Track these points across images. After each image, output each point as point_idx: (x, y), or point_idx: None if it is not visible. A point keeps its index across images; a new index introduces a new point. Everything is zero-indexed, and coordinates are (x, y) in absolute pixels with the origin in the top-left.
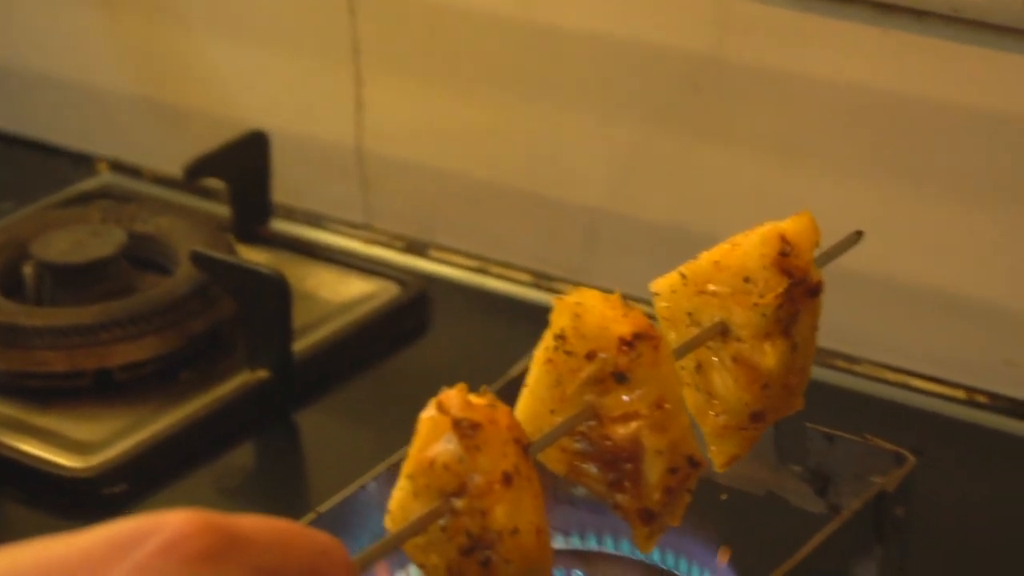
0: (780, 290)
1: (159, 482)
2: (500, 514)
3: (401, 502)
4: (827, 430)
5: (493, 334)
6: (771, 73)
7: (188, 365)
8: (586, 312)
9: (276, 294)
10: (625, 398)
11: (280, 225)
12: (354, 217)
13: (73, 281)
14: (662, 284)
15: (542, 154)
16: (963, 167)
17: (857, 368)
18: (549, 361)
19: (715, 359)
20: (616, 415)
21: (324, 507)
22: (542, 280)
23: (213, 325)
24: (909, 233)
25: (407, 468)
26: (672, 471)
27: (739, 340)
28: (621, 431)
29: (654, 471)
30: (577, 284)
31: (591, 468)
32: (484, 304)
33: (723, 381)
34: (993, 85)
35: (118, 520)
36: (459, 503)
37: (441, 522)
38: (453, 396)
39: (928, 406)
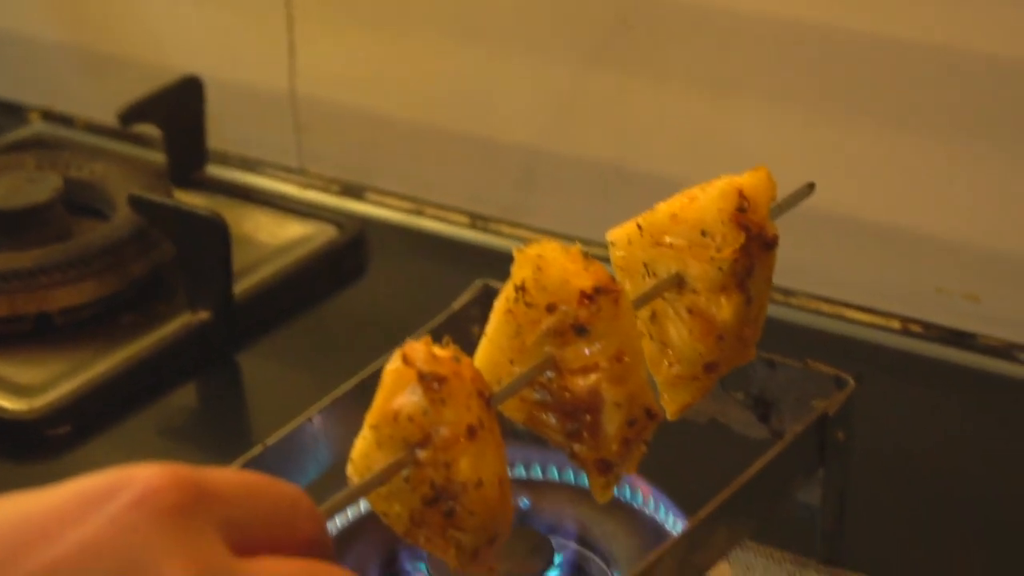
0: (737, 245)
1: (103, 424)
2: (464, 466)
3: (364, 451)
4: (769, 356)
5: (430, 275)
6: (702, 7)
7: (128, 308)
8: (547, 265)
9: (215, 236)
10: (586, 351)
11: (215, 171)
12: (288, 162)
13: (10, 227)
14: (619, 234)
15: (476, 96)
16: (893, 100)
17: (793, 301)
18: (509, 312)
19: (671, 310)
20: (576, 367)
21: (271, 440)
22: (478, 221)
23: (152, 269)
24: (843, 166)
25: (371, 418)
26: (630, 423)
27: (695, 292)
28: (580, 383)
29: (612, 423)
30: (513, 224)
31: (550, 418)
32: (421, 245)
33: (678, 332)
34: (926, 18)
35: (89, 475)
36: (423, 454)
37: (404, 472)
38: (419, 349)
39: (864, 336)
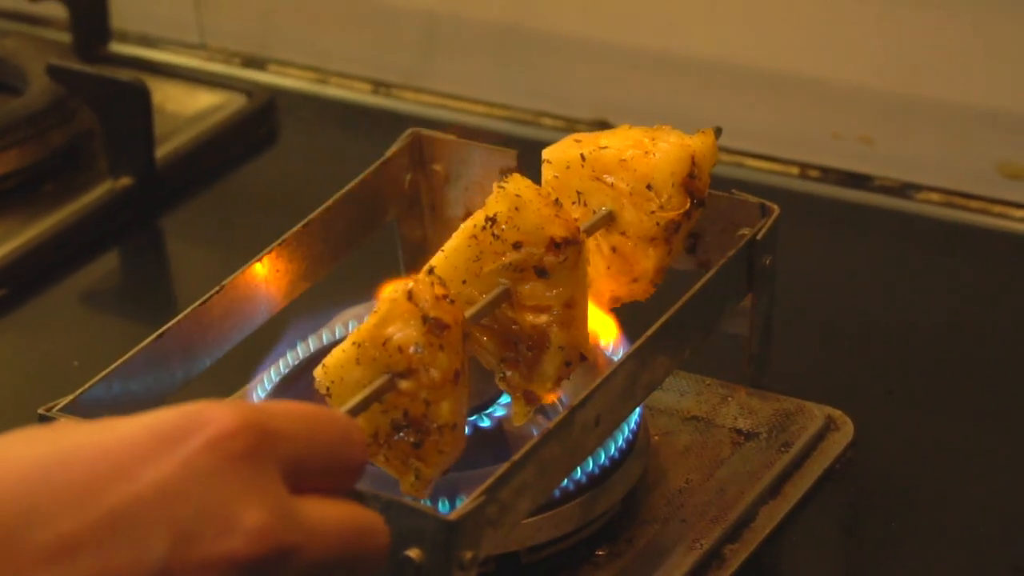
0: (682, 210)
1: (34, 289)
2: (445, 410)
3: (341, 362)
4: None
5: (338, 140)
6: None
7: (49, 178)
8: (525, 206)
9: (137, 102)
10: (548, 293)
11: (118, 48)
12: (189, 38)
13: None
14: (557, 156)
15: None
16: None
17: None
18: (474, 237)
19: (593, 242)
20: (529, 304)
21: (226, 281)
22: (381, 87)
23: (72, 138)
24: (739, 15)
25: (357, 335)
26: (567, 364)
27: (623, 235)
28: (531, 319)
29: (552, 364)
30: (416, 89)
31: (488, 342)
32: (327, 113)
33: (595, 266)
34: None
35: (160, 411)
36: (405, 384)
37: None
38: (425, 290)
39: (765, 182)
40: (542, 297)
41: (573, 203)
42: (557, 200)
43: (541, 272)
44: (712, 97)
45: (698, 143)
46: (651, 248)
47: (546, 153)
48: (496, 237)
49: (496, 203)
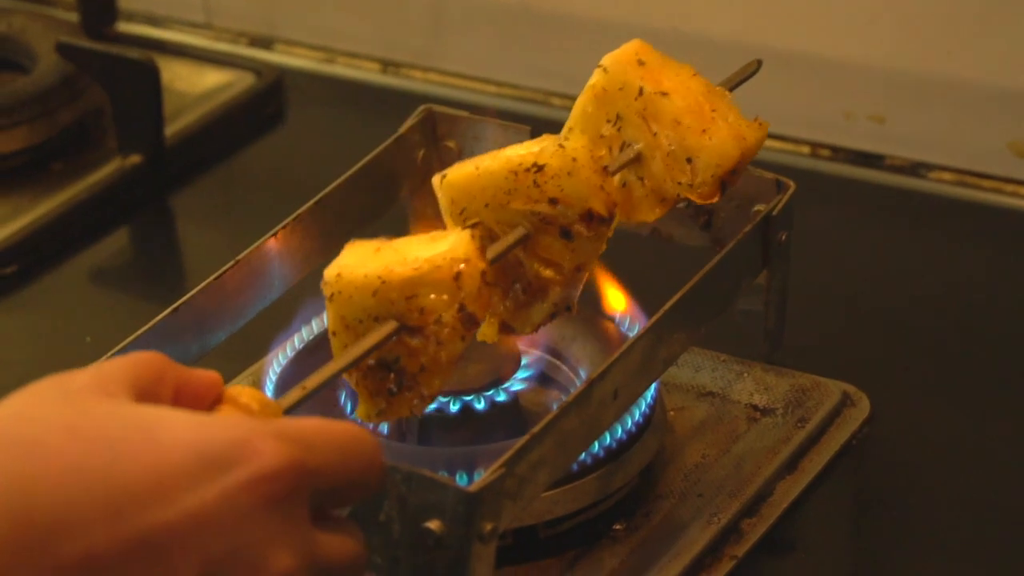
0: (710, 200)
1: (44, 266)
2: (436, 384)
3: (357, 284)
4: None
5: (346, 120)
6: None
7: (58, 156)
8: (577, 172)
9: (146, 79)
10: (564, 253)
11: (125, 28)
12: (195, 17)
13: None
14: (616, 71)
15: None
16: None
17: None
18: (514, 173)
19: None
20: (543, 256)
21: (242, 256)
22: (389, 67)
23: (81, 116)
24: None
25: (386, 273)
26: (552, 315)
27: (640, 179)
28: (538, 269)
29: (541, 312)
30: (425, 69)
31: (488, 270)
32: (335, 93)
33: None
34: None
35: (209, 428)
36: (410, 341)
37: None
38: (474, 278)
39: (776, 161)
40: (557, 254)
41: (608, 121)
42: (606, 168)
43: (566, 234)
44: (722, 76)
45: (752, 138)
46: (659, 207)
47: (606, 60)
48: (536, 185)
49: (551, 157)
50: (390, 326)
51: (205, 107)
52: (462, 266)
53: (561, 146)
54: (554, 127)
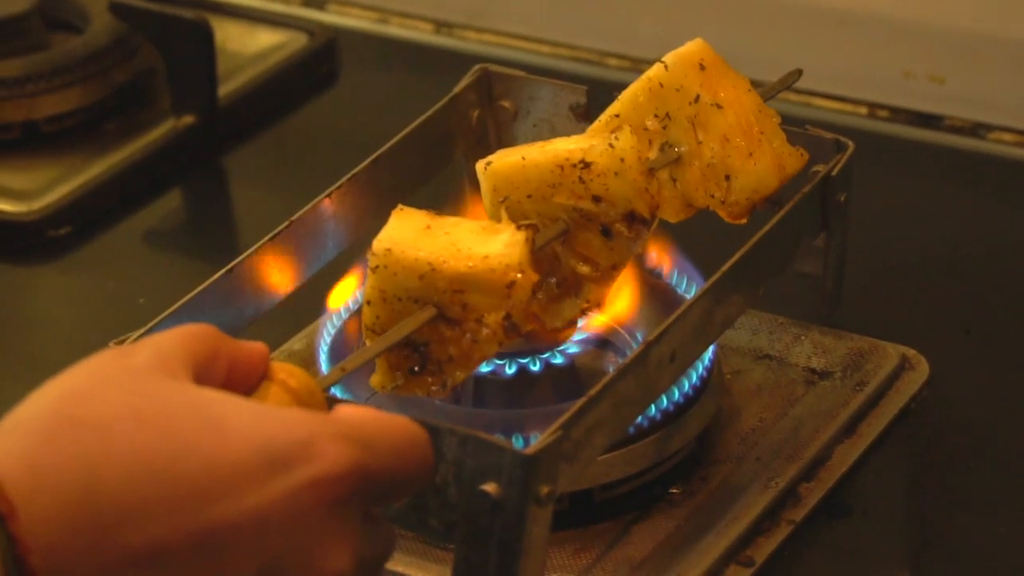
0: (740, 221)
1: (98, 227)
2: (459, 376)
3: (404, 264)
4: None
5: (399, 81)
6: None
7: (112, 116)
8: (624, 172)
9: (200, 39)
10: (601, 250)
11: None
12: None
13: None
14: (677, 70)
15: None
16: None
17: (760, 91)
18: (560, 168)
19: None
20: (580, 251)
21: (296, 216)
22: (443, 27)
23: (135, 76)
24: None
25: (437, 259)
26: (584, 311)
27: (673, 179)
28: (575, 265)
29: (572, 309)
30: (479, 29)
31: None
32: (388, 53)
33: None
34: None
35: (274, 424)
36: (445, 330)
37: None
38: (524, 291)
39: (834, 121)
40: (594, 251)
41: (656, 116)
42: (651, 171)
43: (606, 232)
44: (781, 36)
45: (792, 168)
46: (683, 212)
47: (669, 58)
48: (582, 181)
49: (600, 156)
50: (429, 312)
51: (258, 67)
52: (518, 276)
53: (611, 145)
54: (609, 86)
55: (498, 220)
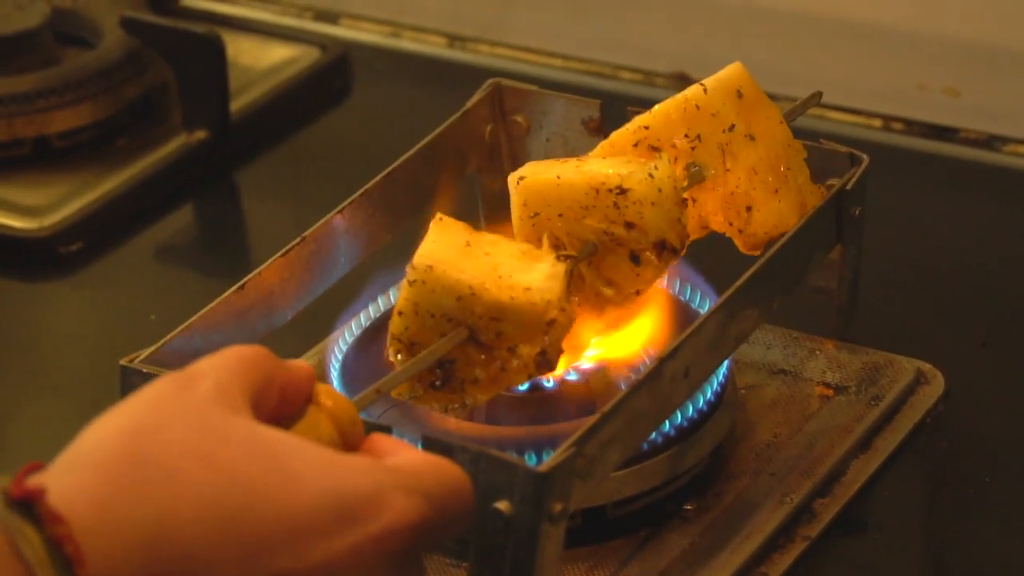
0: (754, 253)
1: (109, 243)
2: (480, 399)
3: (444, 282)
4: None
5: (412, 95)
6: None
7: (123, 132)
8: (660, 203)
9: (211, 54)
10: (627, 275)
11: (189, 2)
12: None
13: (1, 53)
14: (718, 95)
15: None
16: None
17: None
18: (595, 191)
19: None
20: (605, 274)
21: (309, 232)
22: (456, 41)
23: (146, 91)
24: None
25: (476, 284)
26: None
27: (693, 200)
28: (598, 287)
29: (591, 331)
30: (492, 43)
31: None
32: (401, 67)
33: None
34: None
35: (348, 472)
36: (473, 352)
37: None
38: (565, 326)
39: (848, 134)
40: (621, 276)
41: (686, 135)
42: (685, 200)
43: (635, 259)
44: (794, 48)
45: (811, 206)
46: (697, 232)
47: (709, 82)
48: (617, 207)
49: (639, 183)
50: (461, 333)
51: (270, 82)
52: (558, 315)
53: (651, 175)
54: (622, 100)
55: (525, 234)
